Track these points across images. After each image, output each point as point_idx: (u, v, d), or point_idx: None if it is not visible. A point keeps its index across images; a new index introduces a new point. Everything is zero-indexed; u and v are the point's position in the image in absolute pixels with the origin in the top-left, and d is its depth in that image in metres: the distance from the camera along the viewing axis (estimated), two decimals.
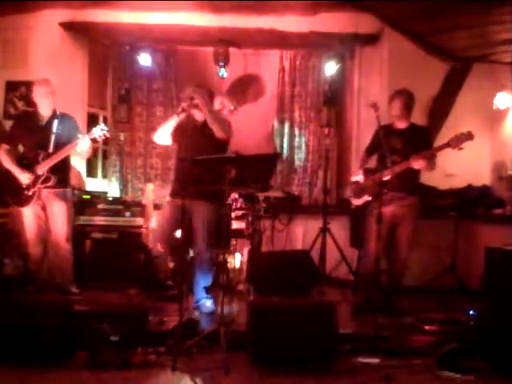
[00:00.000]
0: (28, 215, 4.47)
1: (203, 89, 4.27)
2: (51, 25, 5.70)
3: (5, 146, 4.52)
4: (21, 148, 4.59)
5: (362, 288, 4.60)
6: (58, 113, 4.51)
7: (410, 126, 4.42)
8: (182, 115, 4.12)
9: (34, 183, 4.36)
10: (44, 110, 4.49)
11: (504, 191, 5.47)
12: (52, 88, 4.50)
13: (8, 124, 5.59)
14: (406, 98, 4.36)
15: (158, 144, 4.71)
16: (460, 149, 4.08)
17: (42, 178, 4.35)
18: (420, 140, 4.32)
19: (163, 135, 4.29)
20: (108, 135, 4.47)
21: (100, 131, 4.38)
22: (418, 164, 4.17)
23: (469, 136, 4.07)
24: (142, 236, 5.11)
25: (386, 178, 4.16)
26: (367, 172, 4.55)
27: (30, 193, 4.37)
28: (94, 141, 4.43)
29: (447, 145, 4.13)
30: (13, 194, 4.44)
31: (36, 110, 4.54)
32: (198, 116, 4.25)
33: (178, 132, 4.22)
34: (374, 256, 4.25)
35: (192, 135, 4.09)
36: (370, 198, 4.46)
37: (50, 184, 4.37)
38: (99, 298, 4.44)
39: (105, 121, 6.53)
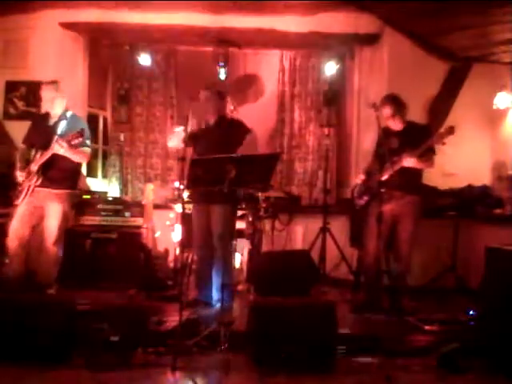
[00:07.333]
0: (19, 212, 4.37)
1: (213, 90, 4.35)
2: (51, 25, 5.70)
3: (22, 146, 4.54)
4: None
5: (364, 287, 4.61)
6: (67, 114, 4.48)
7: (407, 126, 4.42)
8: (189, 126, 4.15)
9: (25, 180, 4.32)
10: (52, 111, 4.44)
11: (504, 191, 5.47)
12: (60, 91, 4.42)
13: (8, 124, 5.64)
14: (393, 104, 4.36)
15: (157, 144, 4.70)
16: (443, 143, 4.08)
17: (32, 175, 4.29)
18: (416, 138, 4.29)
19: (174, 143, 4.37)
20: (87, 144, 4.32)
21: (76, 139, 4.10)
22: (408, 162, 4.17)
23: (450, 131, 4.06)
24: (142, 236, 5.11)
25: (383, 178, 4.21)
26: (368, 173, 4.57)
27: (21, 188, 4.33)
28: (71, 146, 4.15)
29: (431, 141, 4.13)
30: (10, 190, 4.44)
31: (48, 111, 4.49)
32: (211, 119, 4.35)
33: (191, 136, 4.21)
34: (374, 255, 4.27)
35: (207, 136, 4.22)
36: (368, 198, 4.47)
37: (34, 182, 4.28)
38: (99, 298, 4.43)
39: (105, 121, 6.54)
